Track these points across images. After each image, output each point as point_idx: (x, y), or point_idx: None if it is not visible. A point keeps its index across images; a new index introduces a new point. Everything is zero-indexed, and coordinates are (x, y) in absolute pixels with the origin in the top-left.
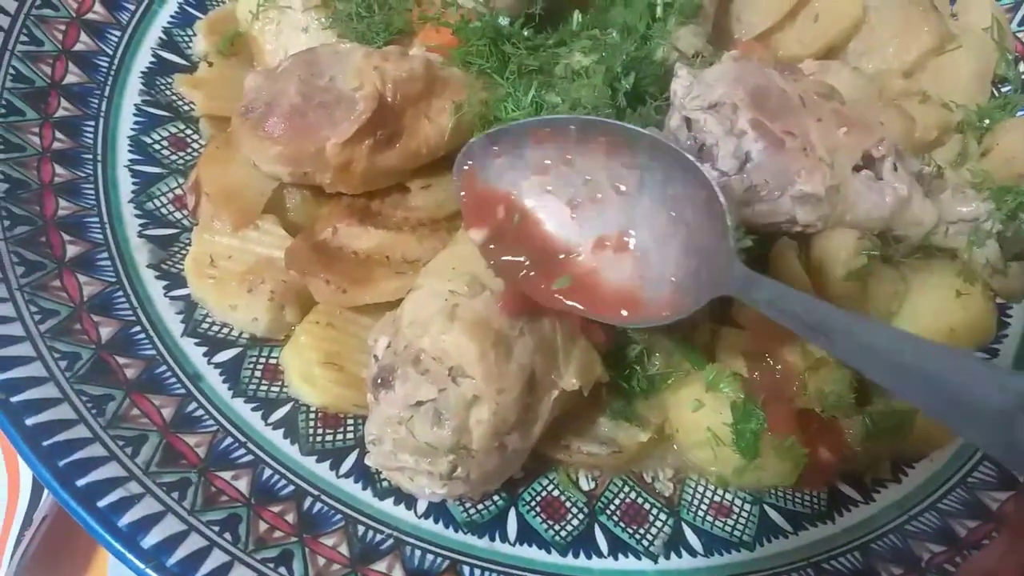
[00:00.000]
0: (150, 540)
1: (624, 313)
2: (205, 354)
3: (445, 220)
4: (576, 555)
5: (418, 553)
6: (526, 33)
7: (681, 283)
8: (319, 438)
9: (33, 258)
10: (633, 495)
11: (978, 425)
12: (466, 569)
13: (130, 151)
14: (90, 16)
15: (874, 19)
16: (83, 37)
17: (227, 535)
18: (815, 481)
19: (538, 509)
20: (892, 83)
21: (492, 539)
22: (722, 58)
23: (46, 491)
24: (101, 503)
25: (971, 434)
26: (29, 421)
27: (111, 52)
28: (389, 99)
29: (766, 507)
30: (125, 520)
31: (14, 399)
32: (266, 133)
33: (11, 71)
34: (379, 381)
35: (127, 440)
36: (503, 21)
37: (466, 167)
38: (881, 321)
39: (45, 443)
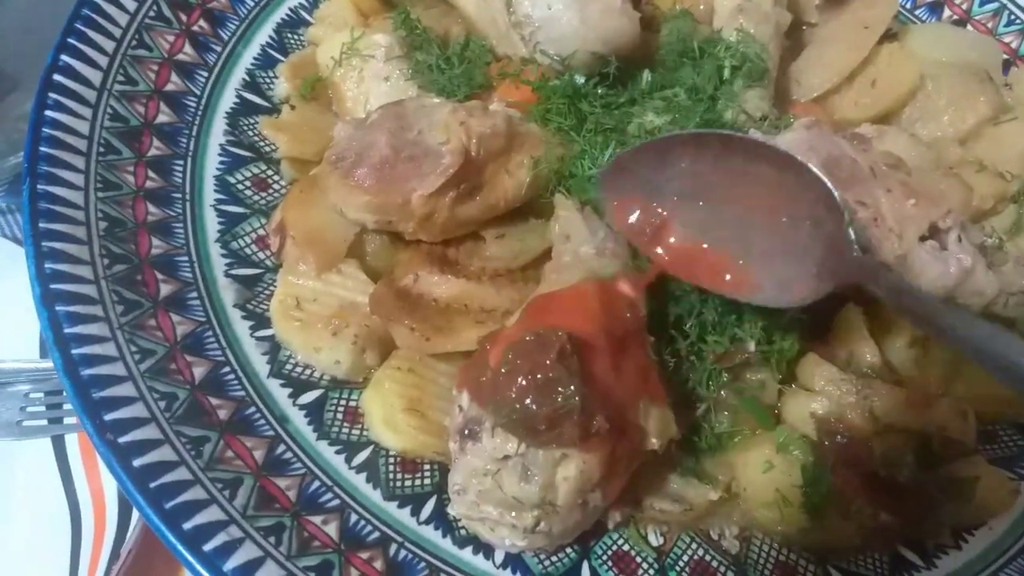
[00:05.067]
0: None
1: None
2: (290, 395)
3: (521, 271)
4: None
5: None
6: (599, 91)
7: (811, 271)
8: (398, 483)
9: (131, 297)
10: (701, 552)
11: None
12: None
13: (216, 191)
14: (180, 57)
15: (931, 86)
16: (174, 77)
17: None
18: (877, 545)
19: (610, 563)
20: (948, 151)
21: None
22: (794, 125)
23: (131, 526)
24: (207, 547)
25: None
26: (136, 463)
27: (199, 92)
28: (473, 153)
29: (830, 568)
30: (230, 565)
31: (122, 440)
32: (356, 182)
33: (108, 110)
34: (466, 432)
35: (224, 483)
36: (579, 79)
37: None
38: (983, 320)
39: (152, 485)
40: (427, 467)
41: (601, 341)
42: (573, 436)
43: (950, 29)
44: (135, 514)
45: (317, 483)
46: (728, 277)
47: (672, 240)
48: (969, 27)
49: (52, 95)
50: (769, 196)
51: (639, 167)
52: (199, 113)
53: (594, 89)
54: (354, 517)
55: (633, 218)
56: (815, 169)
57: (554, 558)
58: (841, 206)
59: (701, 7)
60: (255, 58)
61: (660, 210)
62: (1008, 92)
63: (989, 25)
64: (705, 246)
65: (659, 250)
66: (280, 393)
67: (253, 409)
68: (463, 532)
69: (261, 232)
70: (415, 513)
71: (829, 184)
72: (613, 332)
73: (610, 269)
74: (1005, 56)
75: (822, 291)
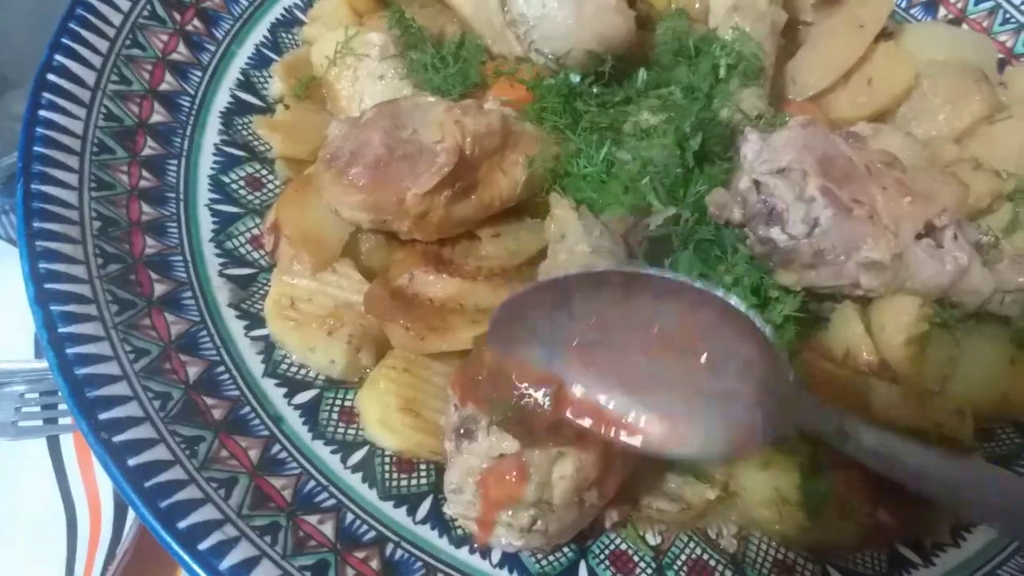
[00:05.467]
0: None
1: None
2: (285, 395)
3: (516, 270)
4: None
5: None
6: (595, 90)
7: (745, 418)
8: (394, 483)
9: (125, 296)
10: (699, 551)
11: None
12: None
13: (210, 190)
14: (174, 56)
15: (926, 85)
16: (168, 77)
17: None
18: (876, 543)
19: (607, 563)
20: (944, 150)
21: None
22: (790, 123)
23: (127, 526)
24: (202, 546)
25: None
26: (131, 462)
27: (193, 92)
28: (468, 152)
29: (828, 567)
30: (226, 564)
31: (116, 439)
32: (350, 181)
33: (102, 110)
34: (461, 431)
35: (219, 482)
36: (574, 78)
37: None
38: (946, 455)
39: (147, 484)
40: (423, 467)
41: None
42: (570, 434)
43: (945, 28)
44: (131, 514)
45: (313, 483)
46: (646, 434)
47: (577, 396)
48: (964, 26)
49: (46, 95)
50: (686, 338)
51: (533, 313)
52: (193, 112)
53: (589, 88)
54: (350, 517)
55: (529, 373)
56: (738, 304)
57: (551, 557)
58: (773, 345)
59: (696, 6)
60: (249, 57)
61: (559, 362)
62: (1003, 91)
63: (984, 24)
64: (612, 403)
65: (566, 412)
66: (275, 393)
67: (248, 409)
68: (459, 532)
69: (255, 232)
70: (411, 513)
71: (757, 321)
72: None
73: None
74: (1000, 55)
75: (763, 438)
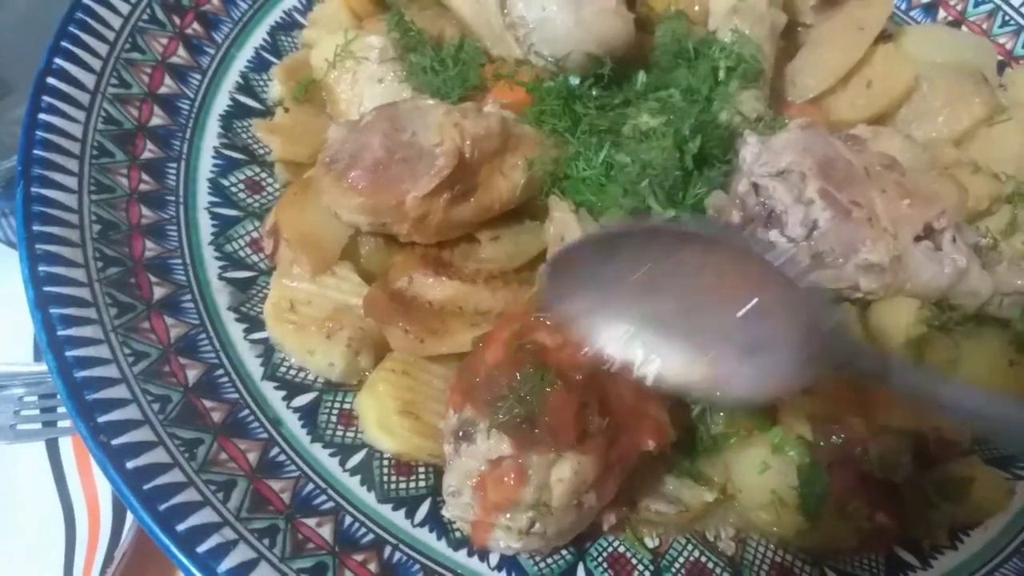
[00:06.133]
0: None
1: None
2: (284, 398)
3: (515, 272)
4: None
5: None
6: (594, 92)
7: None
8: (393, 485)
9: (124, 300)
10: (697, 554)
11: None
12: None
13: (209, 193)
14: (173, 59)
15: (926, 88)
16: (167, 80)
17: None
18: (874, 545)
19: (605, 565)
20: (943, 152)
21: None
22: (789, 126)
23: (125, 529)
24: (200, 549)
25: None
26: (130, 465)
27: (192, 95)
28: (467, 155)
29: (826, 570)
30: (224, 567)
31: (115, 442)
32: (350, 184)
33: (102, 113)
34: (460, 434)
35: (218, 485)
36: (574, 80)
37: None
38: (978, 389)
39: (145, 487)
40: (422, 469)
41: None
42: (569, 438)
43: (945, 30)
44: (129, 517)
45: (311, 485)
46: (695, 372)
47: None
48: (964, 28)
49: (45, 98)
50: (729, 288)
51: (584, 262)
52: (193, 116)
53: (589, 90)
54: (348, 519)
55: (582, 315)
56: (772, 260)
57: (549, 560)
58: (815, 293)
59: (696, 8)
60: (249, 61)
61: (613, 308)
62: (1003, 93)
63: (984, 26)
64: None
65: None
66: (274, 396)
67: (247, 412)
68: (458, 534)
69: (255, 235)
70: (410, 515)
71: (792, 272)
72: None
73: None
74: (1000, 57)
75: (805, 379)
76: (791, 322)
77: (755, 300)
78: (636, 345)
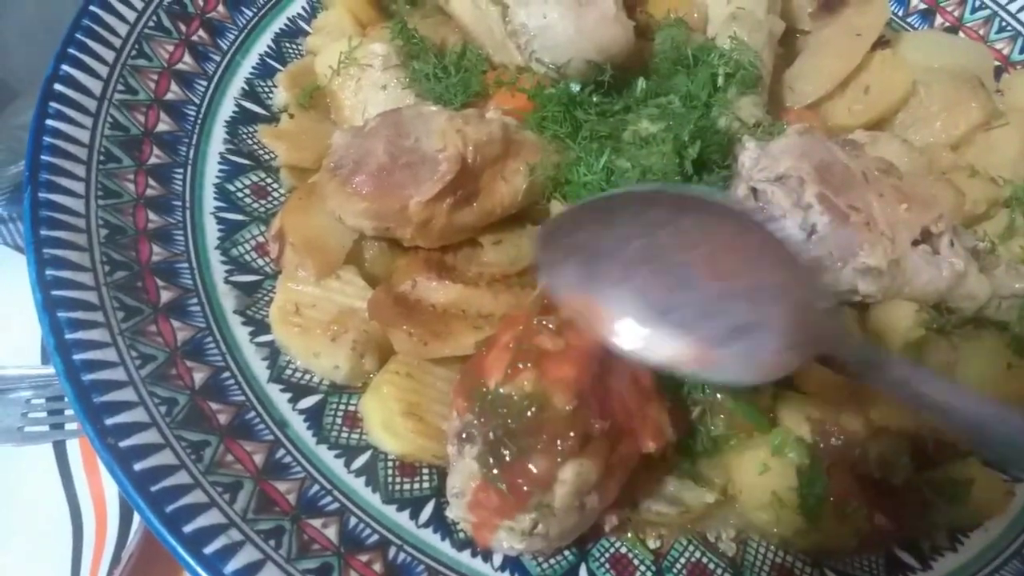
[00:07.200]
0: None
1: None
2: (290, 400)
3: (517, 276)
4: None
5: None
6: (595, 98)
7: (775, 342)
8: (397, 487)
9: (132, 303)
10: (698, 555)
11: None
12: None
13: (215, 198)
14: (180, 66)
15: (923, 93)
16: (173, 86)
17: None
18: (873, 547)
19: (608, 566)
20: (940, 156)
21: None
22: (787, 131)
23: (132, 530)
24: (208, 550)
25: None
26: (137, 466)
27: (198, 101)
28: (470, 160)
29: (826, 571)
30: (231, 568)
31: (122, 444)
32: (354, 190)
33: (109, 119)
34: (463, 435)
35: (225, 487)
36: (574, 87)
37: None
38: (970, 390)
39: (152, 489)
40: (426, 471)
41: (595, 347)
42: (573, 444)
43: (942, 36)
44: (136, 518)
45: (317, 487)
46: (676, 354)
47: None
48: (961, 34)
49: (52, 104)
50: (724, 260)
51: (579, 228)
52: (199, 122)
53: (589, 97)
54: (353, 520)
55: (571, 285)
56: (775, 230)
57: (552, 560)
58: (810, 273)
59: (695, 15)
60: (254, 67)
61: (596, 281)
62: (1000, 98)
63: (981, 32)
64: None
65: (603, 326)
66: (280, 398)
67: (253, 414)
68: (462, 535)
69: (261, 239)
70: (414, 516)
71: (793, 247)
72: None
73: None
74: (997, 62)
75: (790, 365)
76: (785, 300)
77: (750, 276)
78: (625, 318)
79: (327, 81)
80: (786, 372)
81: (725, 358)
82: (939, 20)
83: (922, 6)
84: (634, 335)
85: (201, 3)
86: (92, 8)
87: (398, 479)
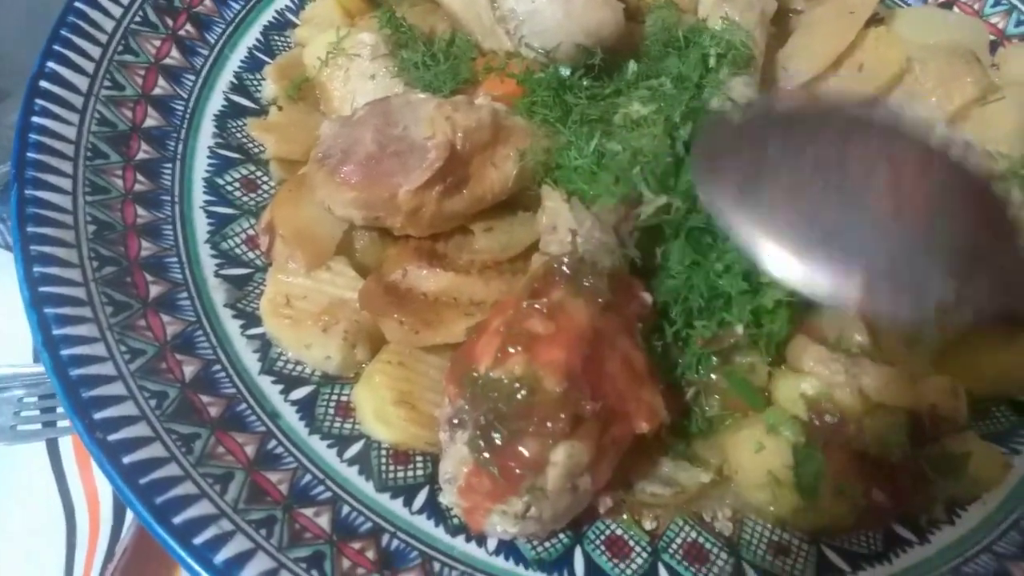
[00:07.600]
0: None
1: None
2: (281, 392)
3: (509, 263)
4: None
5: None
6: (585, 83)
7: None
8: (390, 474)
9: (120, 298)
10: (694, 535)
11: None
12: None
13: (205, 192)
14: (167, 61)
15: (918, 69)
16: (161, 81)
17: (314, 572)
18: (870, 523)
19: (603, 547)
20: (937, 132)
21: None
22: None
23: (126, 525)
24: (197, 540)
25: None
26: (126, 459)
27: (186, 96)
28: (459, 147)
29: (823, 547)
30: (220, 557)
31: (111, 438)
32: (342, 179)
33: (96, 115)
34: (455, 421)
35: (215, 478)
36: (564, 72)
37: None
38: None
39: (142, 481)
40: (419, 458)
41: (587, 329)
42: (564, 426)
43: (936, 11)
44: (129, 514)
45: (309, 476)
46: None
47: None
48: (955, 9)
49: (39, 101)
50: (905, 191)
51: (743, 141)
52: (187, 116)
53: (579, 81)
54: (346, 509)
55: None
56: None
57: (547, 544)
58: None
59: None
60: (242, 61)
61: (756, 197)
62: (996, 72)
63: (975, 7)
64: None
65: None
66: (271, 389)
67: (244, 406)
68: (455, 521)
69: (251, 232)
70: (407, 503)
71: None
72: (600, 319)
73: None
74: (992, 37)
75: (973, 315)
76: (964, 243)
77: (925, 212)
78: (781, 245)
79: (316, 72)
80: (957, 326)
81: (898, 299)
82: None
83: None
84: (790, 263)
85: None
86: (77, 4)
87: (391, 467)
